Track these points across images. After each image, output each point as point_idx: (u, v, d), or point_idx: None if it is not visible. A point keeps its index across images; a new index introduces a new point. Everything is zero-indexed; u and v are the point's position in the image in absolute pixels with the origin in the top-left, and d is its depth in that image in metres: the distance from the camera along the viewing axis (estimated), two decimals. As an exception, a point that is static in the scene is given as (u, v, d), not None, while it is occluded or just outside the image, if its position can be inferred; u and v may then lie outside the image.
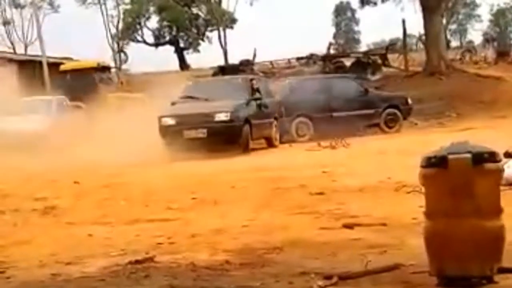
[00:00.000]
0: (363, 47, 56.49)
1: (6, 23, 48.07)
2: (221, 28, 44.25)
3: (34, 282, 4.98)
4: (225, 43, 42.23)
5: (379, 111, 20.98)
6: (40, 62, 29.15)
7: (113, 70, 32.27)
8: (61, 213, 8.63)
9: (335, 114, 20.49)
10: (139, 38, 49.73)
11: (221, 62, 36.70)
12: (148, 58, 68.51)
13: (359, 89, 21.38)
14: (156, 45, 49.96)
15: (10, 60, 32.03)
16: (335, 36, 64.87)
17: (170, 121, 16.41)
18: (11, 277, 5.22)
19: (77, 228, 7.48)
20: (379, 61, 30.85)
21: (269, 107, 18.20)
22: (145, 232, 6.88)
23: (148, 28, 50.07)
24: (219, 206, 8.56)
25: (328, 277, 4.53)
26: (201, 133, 16.07)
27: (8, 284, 5.01)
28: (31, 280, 5.05)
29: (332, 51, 36.08)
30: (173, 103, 17.41)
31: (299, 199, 8.55)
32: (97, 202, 9.38)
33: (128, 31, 47.97)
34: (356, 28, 70.12)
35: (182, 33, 49.21)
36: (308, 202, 8.32)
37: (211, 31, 49.03)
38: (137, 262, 5.41)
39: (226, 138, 16.14)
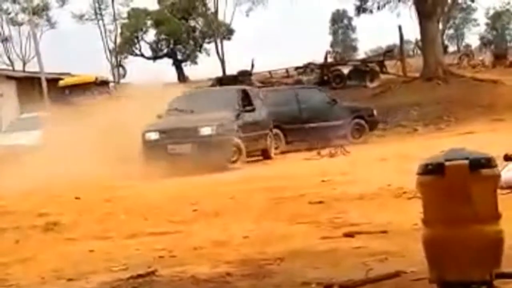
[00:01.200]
0: (360, 55, 56.71)
1: (4, 40, 48.20)
2: (218, 40, 44.33)
3: (36, 299, 4.99)
4: (223, 54, 42.39)
5: (347, 121, 21.04)
6: (39, 78, 29.20)
7: (111, 84, 32.36)
8: (63, 229, 8.63)
9: (306, 125, 20.50)
10: (137, 51, 49.83)
11: (219, 74, 36.75)
12: (146, 71, 68.63)
13: (327, 100, 21.46)
14: (154, 58, 50.04)
15: (9, 77, 32.10)
16: (332, 45, 65.02)
17: (154, 136, 15.79)
18: (13, 294, 5.24)
19: (78, 243, 7.48)
20: (377, 68, 30.90)
21: (263, 118, 17.81)
22: (146, 246, 6.88)
23: (146, 42, 50.21)
24: (220, 217, 8.56)
25: (329, 287, 4.54)
26: (186, 148, 15.43)
27: (10, 302, 5.03)
28: (33, 297, 5.07)
29: (329, 59, 36.13)
30: (159, 116, 16.90)
31: (299, 209, 8.55)
32: (97, 217, 9.38)
33: (126, 45, 48.06)
34: (353, 36, 70.37)
35: (179, 45, 49.30)
36: (308, 211, 8.33)
37: (209, 43, 49.16)
38: (139, 276, 5.42)
39: (212, 153, 15.21)
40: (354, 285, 4.56)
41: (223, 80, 32.17)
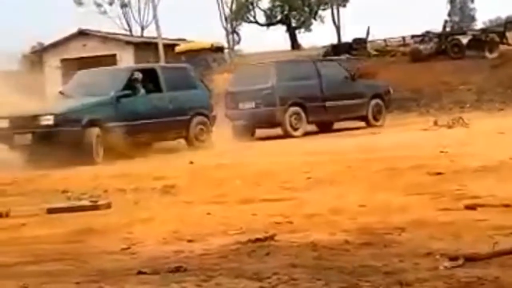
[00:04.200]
0: (478, 25, 54.95)
1: (123, 5, 49.12)
2: (334, 7, 43.82)
3: (159, 258, 5.06)
4: (338, 21, 41.79)
5: (366, 101, 19.38)
6: (156, 44, 29.71)
7: (226, 51, 32.62)
8: (179, 192, 8.79)
9: (328, 103, 18.72)
10: (251, 18, 49.97)
11: (333, 41, 36.38)
12: (260, 38, 68.95)
13: (346, 75, 19.71)
14: (268, 25, 50.04)
15: (127, 43, 32.84)
16: (450, 14, 63.32)
17: (3, 124, 13.97)
18: (136, 253, 5.34)
19: (195, 206, 7.59)
20: (497, 39, 29.86)
21: (180, 101, 15.52)
22: (261, 211, 6.90)
23: (260, 8, 50.19)
24: (335, 186, 8.51)
25: (454, 258, 4.42)
26: (27, 139, 13.68)
27: (133, 260, 5.13)
28: (156, 256, 5.14)
29: (447, 29, 35.22)
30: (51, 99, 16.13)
31: (417, 180, 8.41)
32: (213, 181, 9.50)
33: (240, 11, 48.23)
34: (471, 5, 68.26)
35: (294, 12, 49.09)
36: (427, 182, 8.18)
37: (324, 9, 48.66)
38: (258, 240, 5.44)
39: (55, 146, 13.19)
40: (480, 258, 4.43)
41: (338, 48, 31.87)
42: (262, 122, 18.03)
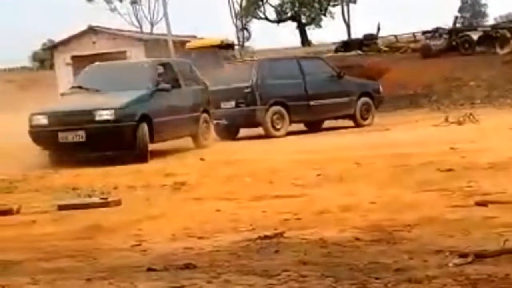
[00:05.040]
0: (489, 21, 54.79)
1: (133, 2, 49.27)
2: (344, 3, 43.83)
3: (169, 255, 5.09)
4: (348, 17, 41.83)
5: (354, 99, 18.46)
6: (166, 41, 29.74)
7: (236, 47, 32.61)
8: (190, 189, 8.80)
9: (312, 102, 17.79)
10: (261, 14, 49.99)
11: (343, 37, 36.40)
12: (270, 34, 68.97)
13: (332, 72, 18.72)
14: (278, 21, 50.08)
15: (137, 39, 32.91)
16: (460, 10, 63.13)
17: (43, 120, 12.87)
18: (146, 250, 5.36)
19: (205, 203, 7.61)
20: (508, 34, 29.76)
21: (192, 98, 14.83)
22: (271, 208, 6.91)
23: (270, 5, 50.25)
24: (344, 183, 8.51)
25: (463, 255, 4.42)
26: (79, 136, 12.52)
27: (144, 256, 5.15)
28: (166, 252, 5.17)
29: (458, 25, 35.13)
30: (62, 94, 14.62)
31: (427, 176, 8.39)
32: (223, 178, 9.51)
33: (250, 8, 48.27)
34: (482, 1, 68.03)
35: (304, 8, 49.08)
36: (437, 179, 8.17)
37: (334, 6, 48.68)
38: (267, 237, 5.45)
39: (111, 142, 12.50)
40: (490, 255, 4.42)
41: (349, 44, 31.85)
42: (243, 122, 17.25)
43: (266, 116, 16.85)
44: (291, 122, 17.40)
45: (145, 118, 12.88)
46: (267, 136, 16.68)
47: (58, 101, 13.65)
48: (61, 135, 12.55)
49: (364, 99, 18.68)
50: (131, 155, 12.41)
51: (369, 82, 20.00)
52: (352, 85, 18.78)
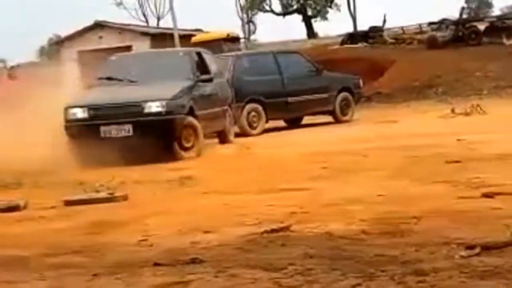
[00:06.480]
0: (495, 11, 54.59)
1: (140, -4, 49.15)
2: (349, -5, 43.62)
3: (176, 249, 5.08)
4: (354, 9, 41.64)
5: (333, 95, 18.05)
6: (172, 35, 29.72)
7: (242, 40, 32.59)
8: (196, 183, 8.80)
9: (290, 99, 17.36)
10: (267, 7, 49.88)
11: (349, 29, 36.28)
12: (275, 27, 68.85)
13: (311, 68, 18.33)
14: (284, 14, 49.95)
15: (143, 34, 32.90)
16: (467, 1, 62.90)
17: (81, 114, 11.91)
18: (153, 244, 5.36)
19: (212, 197, 7.61)
20: (514, 25, 29.66)
21: (220, 91, 13.86)
22: (277, 202, 6.90)
23: (276, -3, 50.11)
24: (352, 175, 8.50)
25: (470, 247, 4.41)
26: (125, 130, 11.60)
27: (151, 251, 5.15)
28: (172, 247, 5.15)
29: (464, 16, 35.02)
30: (89, 87, 13.17)
31: (434, 168, 8.40)
32: (230, 172, 9.51)
33: (256, 1, 48.17)
34: (489, -8, 67.75)
35: (309, 1, 48.96)
36: (444, 170, 8.16)
37: (340, -2, 48.49)
38: (273, 231, 5.44)
39: (160, 136, 11.56)
40: (497, 247, 4.41)
41: (355, 36, 31.77)
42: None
43: (242, 114, 16.25)
44: (267, 119, 17.00)
45: (191, 111, 12.10)
46: (243, 134, 15.97)
47: (91, 93, 12.49)
48: (103, 129, 11.58)
49: (344, 94, 18.27)
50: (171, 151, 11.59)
51: (349, 76, 19.42)
52: (332, 80, 18.32)
